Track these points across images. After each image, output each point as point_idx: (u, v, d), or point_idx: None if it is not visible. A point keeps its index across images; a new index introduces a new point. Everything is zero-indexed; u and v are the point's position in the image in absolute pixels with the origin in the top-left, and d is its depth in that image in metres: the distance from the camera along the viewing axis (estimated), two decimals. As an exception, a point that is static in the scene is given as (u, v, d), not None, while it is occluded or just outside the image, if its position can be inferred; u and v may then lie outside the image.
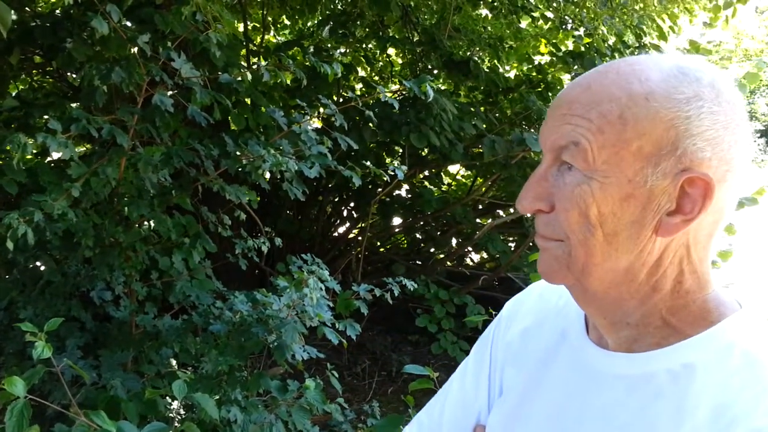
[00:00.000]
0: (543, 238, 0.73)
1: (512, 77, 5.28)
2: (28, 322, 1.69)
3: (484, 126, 4.57)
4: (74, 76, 4.36)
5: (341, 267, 4.66)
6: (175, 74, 2.52)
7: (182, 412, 2.68)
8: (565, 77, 4.98)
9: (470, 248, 5.40)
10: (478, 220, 5.18)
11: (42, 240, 2.38)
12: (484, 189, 5.22)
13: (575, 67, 4.54)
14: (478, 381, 0.91)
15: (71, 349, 2.31)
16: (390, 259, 5.19)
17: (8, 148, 3.46)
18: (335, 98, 4.69)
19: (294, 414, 2.33)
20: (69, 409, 1.62)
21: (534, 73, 5.09)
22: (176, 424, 2.04)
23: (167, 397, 2.47)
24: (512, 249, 4.99)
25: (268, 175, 2.97)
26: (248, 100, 3.76)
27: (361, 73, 5.52)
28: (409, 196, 5.27)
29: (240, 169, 2.63)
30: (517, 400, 0.82)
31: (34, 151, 2.16)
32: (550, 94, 4.83)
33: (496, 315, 1.80)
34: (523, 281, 4.41)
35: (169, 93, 2.76)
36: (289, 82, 4.29)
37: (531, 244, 4.44)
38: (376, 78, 5.62)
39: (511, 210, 5.16)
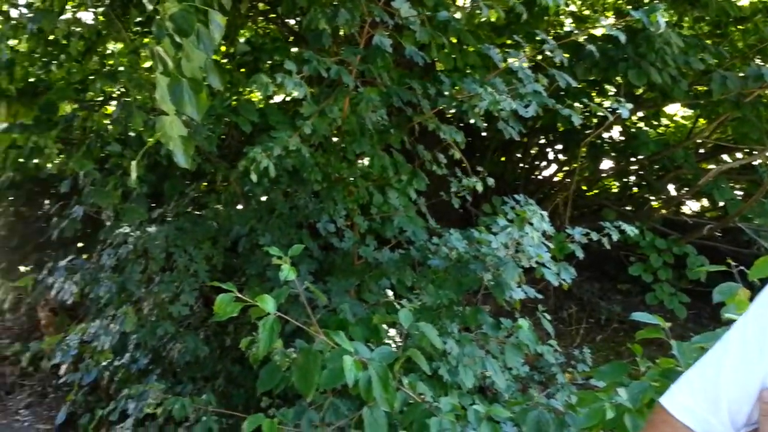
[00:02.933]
0: None
1: (746, 5, 4.67)
2: (270, 247, 1.85)
3: (714, 61, 4.12)
4: (293, 21, 4.63)
5: (547, 211, 4.54)
6: (394, 15, 2.56)
7: (398, 339, 2.82)
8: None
9: (689, 195, 4.98)
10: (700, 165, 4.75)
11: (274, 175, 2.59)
12: (708, 131, 4.75)
13: (828, -11, 3.90)
14: (762, 345, 0.86)
15: (304, 274, 2.53)
16: (599, 204, 4.96)
17: (245, 89, 3.77)
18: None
19: (507, 351, 2.35)
20: (309, 327, 1.77)
21: (775, -1, 4.46)
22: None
23: (383, 325, 2.62)
24: (741, 197, 4.52)
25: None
26: (454, 40, 3.72)
27: (571, 7, 5.22)
28: (622, 138, 4.95)
29: (452, 110, 2.64)
30: None
31: (274, 90, 2.35)
32: (792, 22, 4.22)
33: (734, 268, 1.64)
34: (755, 232, 4.00)
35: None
36: (493, 19, 4.19)
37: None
38: (586, 12, 5.29)
39: (738, 155, 4.67)
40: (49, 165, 3.05)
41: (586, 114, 4.09)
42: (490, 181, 2.86)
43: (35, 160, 3.47)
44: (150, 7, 2.04)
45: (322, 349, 1.71)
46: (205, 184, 3.53)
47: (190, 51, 2.12)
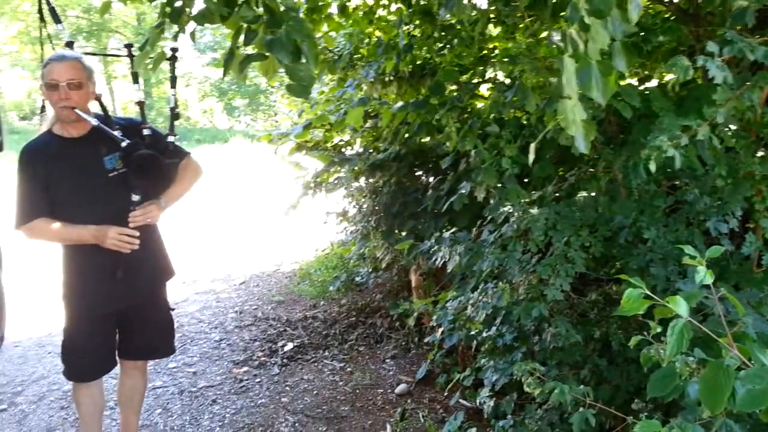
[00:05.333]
0: None
1: None
2: (685, 246, 1.71)
3: None
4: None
5: None
6: None
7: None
8: None
9: None
10: None
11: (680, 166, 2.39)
12: None
13: None
14: None
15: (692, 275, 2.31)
16: None
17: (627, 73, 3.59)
18: None
19: None
20: (721, 338, 1.60)
21: None
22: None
23: None
24: None
25: None
26: None
27: None
28: None
29: None
30: None
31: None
32: None
33: None
34: None
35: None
36: None
37: None
38: None
39: None
40: (447, 143, 3.31)
41: None
42: None
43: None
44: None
45: (732, 364, 1.53)
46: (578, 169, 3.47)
47: (596, 33, 2.05)
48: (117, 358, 3.13)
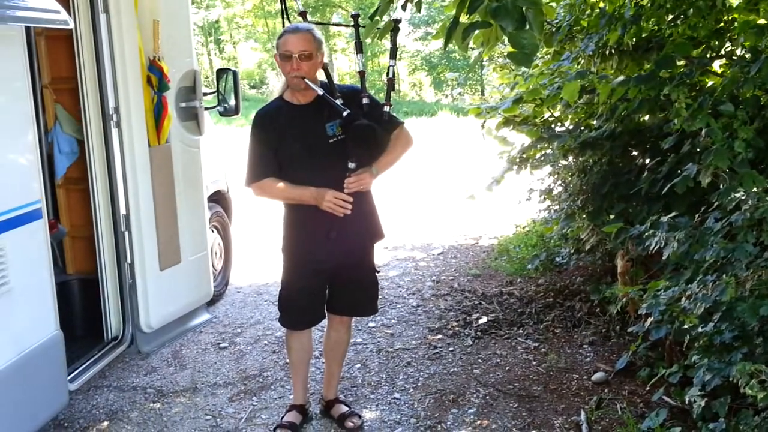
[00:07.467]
0: None
1: None
2: None
3: None
4: None
5: None
6: None
7: None
8: None
9: None
10: None
11: None
12: None
13: None
14: None
15: None
16: None
17: None
18: None
19: None
20: None
21: None
22: None
23: None
24: None
25: None
26: None
27: None
28: None
29: None
30: None
31: None
32: None
33: None
34: None
35: None
36: None
37: None
38: None
39: None
40: (674, 121, 3.06)
41: None
42: None
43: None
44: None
45: None
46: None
47: None
48: (326, 311, 3.36)
